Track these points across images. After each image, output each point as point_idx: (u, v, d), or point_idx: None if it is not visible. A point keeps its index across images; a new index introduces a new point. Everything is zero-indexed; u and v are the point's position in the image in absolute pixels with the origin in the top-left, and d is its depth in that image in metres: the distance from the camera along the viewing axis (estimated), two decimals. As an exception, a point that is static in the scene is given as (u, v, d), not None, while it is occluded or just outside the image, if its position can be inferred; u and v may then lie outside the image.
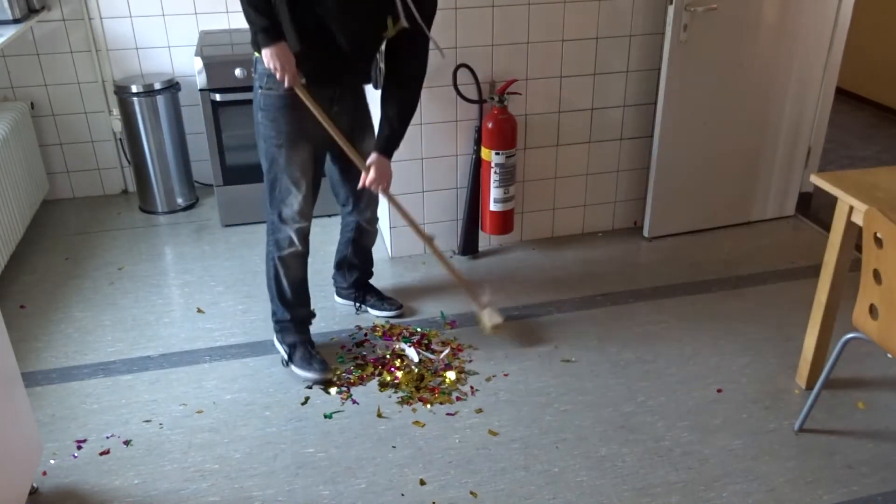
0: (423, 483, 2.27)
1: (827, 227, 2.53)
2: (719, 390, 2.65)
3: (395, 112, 2.51)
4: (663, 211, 3.61)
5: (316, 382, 2.68)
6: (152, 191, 3.90)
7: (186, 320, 3.06)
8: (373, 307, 3.05)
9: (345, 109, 2.53)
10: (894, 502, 2.21)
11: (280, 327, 2.75)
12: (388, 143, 2.54)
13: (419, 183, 3.34)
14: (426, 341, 2.89)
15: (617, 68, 3.41)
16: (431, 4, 2.39)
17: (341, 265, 3.04)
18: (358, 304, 3.09)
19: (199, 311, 3.12)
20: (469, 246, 3.47)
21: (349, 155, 2.49)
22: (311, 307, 2.81)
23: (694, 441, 2.43)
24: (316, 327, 2.97)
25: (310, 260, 3.42)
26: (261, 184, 3.72)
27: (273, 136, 2.45)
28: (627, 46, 3.37)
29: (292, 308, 2.71)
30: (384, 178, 2.54)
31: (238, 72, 3.48)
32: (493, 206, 3.33)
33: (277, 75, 2.30)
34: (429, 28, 2.38)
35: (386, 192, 2.58)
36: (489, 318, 2.75)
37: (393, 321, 3.01)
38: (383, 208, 3.33)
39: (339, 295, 3.14)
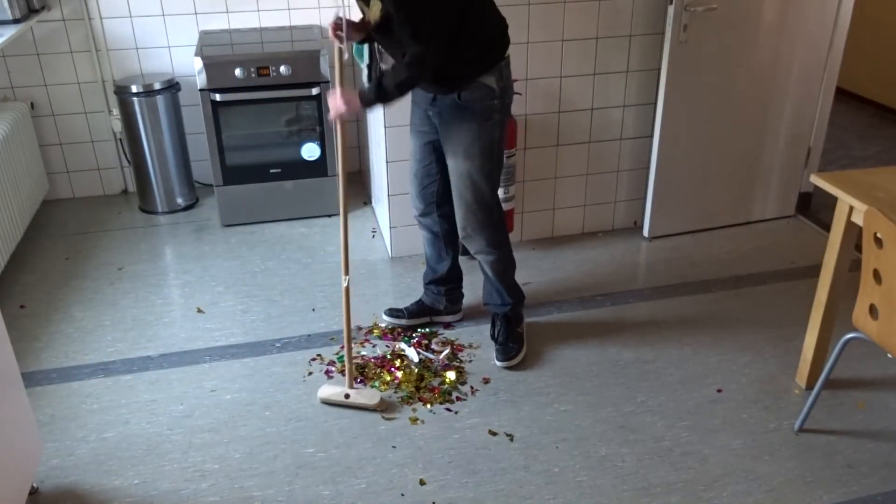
0: (423, 483, 2.28)
1: (827, 227, 2.53)
2: (719, 390, 2.65)
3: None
4: (663, 211, 3.61)
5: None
6: (152, 191, 3.90)
7: (186, 320, 3.06)
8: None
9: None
10: (894, 502, 2.21)
11: None
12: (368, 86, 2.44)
13: (419, 183, 3.33)
14: (426, 341, 2.89)
15: (617, 68, 3.41)
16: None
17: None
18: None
19: (199, 311, 3.12)
20: (469, 246, 3.46)
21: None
22: (432, 276, 2.99)
23: (694, 441, 2.43)
24: (316, 327, 2.98)
25: (309, 261, 3.46)
26: (260, 184, 3.77)
27: None
28: (627, 46, 3.37)
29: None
30: (335, 106, 2.37)
31: (238, 72, 3.48)
32: (493, 206, 3.32)
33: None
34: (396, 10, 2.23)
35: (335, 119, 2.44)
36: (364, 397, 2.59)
37: (392, 322, 3.01)
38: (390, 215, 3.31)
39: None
